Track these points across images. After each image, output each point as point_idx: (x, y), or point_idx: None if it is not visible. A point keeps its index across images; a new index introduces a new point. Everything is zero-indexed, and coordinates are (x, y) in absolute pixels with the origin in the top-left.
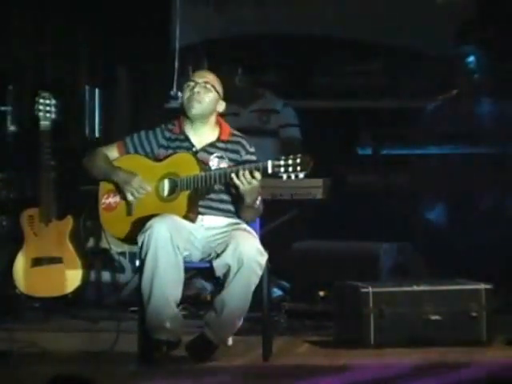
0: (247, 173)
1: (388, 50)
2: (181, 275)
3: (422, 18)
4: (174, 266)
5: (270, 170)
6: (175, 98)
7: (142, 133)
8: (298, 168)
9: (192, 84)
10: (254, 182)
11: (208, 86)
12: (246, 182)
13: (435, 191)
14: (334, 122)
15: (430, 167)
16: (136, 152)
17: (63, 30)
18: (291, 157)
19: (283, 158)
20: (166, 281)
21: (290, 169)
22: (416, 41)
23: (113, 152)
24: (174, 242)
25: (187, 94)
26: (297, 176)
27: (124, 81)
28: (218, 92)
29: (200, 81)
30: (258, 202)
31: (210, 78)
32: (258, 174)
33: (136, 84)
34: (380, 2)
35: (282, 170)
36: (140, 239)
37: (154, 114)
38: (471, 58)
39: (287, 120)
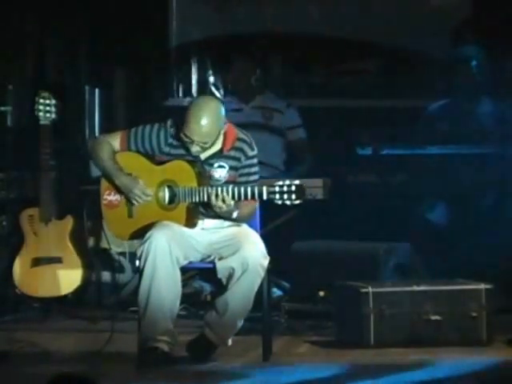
0: (242, 194)
1: (388, 50)
2: (178, 290)
3: (422, 18)
4: (172, 281)
5: (265, 197)
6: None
7: (147, 132)
8: (293, 196)
9: (188, 140)
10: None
11: (205, 145)
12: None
13: (435, 191)
14: (334, 121)
15: (430, 167)
16: (137, 149)
17: (63, 29)
18: (286, 183)
19: (278, 184)
20: (163, 295)
21: (285, 196)
22: (416, 41)
23: (115, 142)
24: (172, 255)
25: (185, 142)
26: (292, 204)
27: (124, 81)
28: (216, 136)
29: (197, 140)
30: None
31: (207, 138)
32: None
33: (136, 84)
34: (380, 1)
35: (277, 196)
36: (139, 251)
37: (154, 113)
38: (471, 59)
39: (293, 122)
